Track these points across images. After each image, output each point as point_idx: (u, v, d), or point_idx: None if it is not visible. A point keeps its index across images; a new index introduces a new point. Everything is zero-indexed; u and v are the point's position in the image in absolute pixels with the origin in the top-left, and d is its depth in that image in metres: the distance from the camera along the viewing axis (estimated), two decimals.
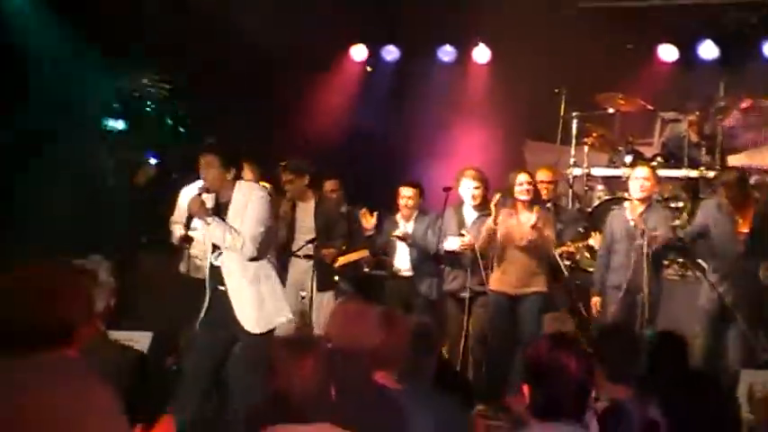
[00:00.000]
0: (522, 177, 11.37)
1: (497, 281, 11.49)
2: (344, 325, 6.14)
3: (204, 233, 9.35)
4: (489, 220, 11.46)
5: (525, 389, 4.79)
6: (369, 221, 12.65)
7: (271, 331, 9.10)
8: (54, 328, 4.43)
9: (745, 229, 10.86)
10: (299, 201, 11.73)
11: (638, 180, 11.20)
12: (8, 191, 13.31)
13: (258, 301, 9.12)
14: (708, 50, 15.06)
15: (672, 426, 5.88)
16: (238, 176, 9.25)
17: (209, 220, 9.03)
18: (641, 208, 11.07)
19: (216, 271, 9.19)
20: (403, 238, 12.22)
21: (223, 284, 9.19)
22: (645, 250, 10.84)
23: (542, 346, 5.03)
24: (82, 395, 4.37)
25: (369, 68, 17.09)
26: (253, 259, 9.20)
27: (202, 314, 9.26)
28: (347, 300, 10.11)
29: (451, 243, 11.60)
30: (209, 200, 9.11)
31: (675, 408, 5.98)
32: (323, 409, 4.97)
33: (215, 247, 9.21)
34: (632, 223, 11.08)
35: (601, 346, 6.91)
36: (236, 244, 9.06)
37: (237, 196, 9.16)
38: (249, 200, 9.21)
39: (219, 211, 9.07)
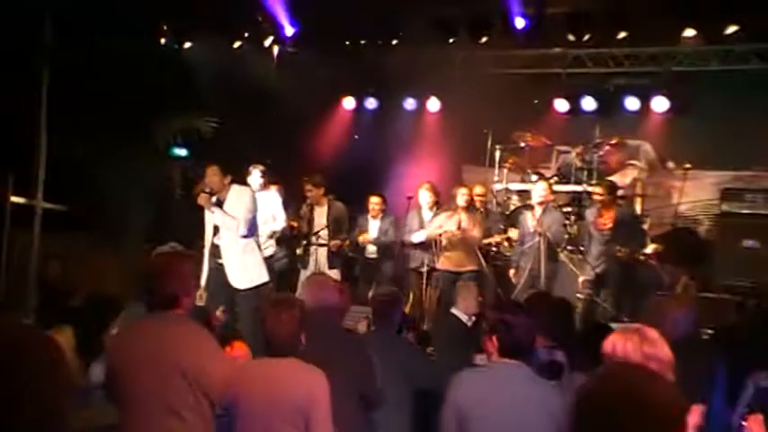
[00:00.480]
0: (462, 190, 12.13)
1: (444, 262, 11.97)
2: (315, 289, 6.48)
3: (209, 219, 9.79)
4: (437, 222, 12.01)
5: (493, 338, 5.00)
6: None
7: (255, 288, 9.62)
8: (168, 296, 5.18)
9: (609, 225, 11.53)
10: (315, 205, 12.32)
11: (538, 191, 11.94)
12: (101, 197, 13.36)
13: (244, 268, 9.66)
14: (589, 104, 15.53)
15: (570, 363, 6.06)
16: (233, 181, 9.86)
17: (214, 209, 9.63)
18: (540, 210, 11.71)
19: (215, 249, 9.72)
20: (370, 242, 12.67)
21: (220, 258, 9.69)
22: (540, 245, 11.46)
23: (505, 309, 5.42)
24: (188, 332, 5.19)
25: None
26: (243, 237, 9.69)
27: (203, 283, 9.36)
28: (315, 274, 10.62)
29: (419, 236, 12.25)
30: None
31: (570, 352, 6.16)
32: (294, 349, 5.15)
33: (215, 230, 9.73)
34: (534, 227, 11.59)
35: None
36: (232, 225, 9.60)
37: (231, 194, 9.78)
38: (239, 196, 9.82)
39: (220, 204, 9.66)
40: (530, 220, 11.81)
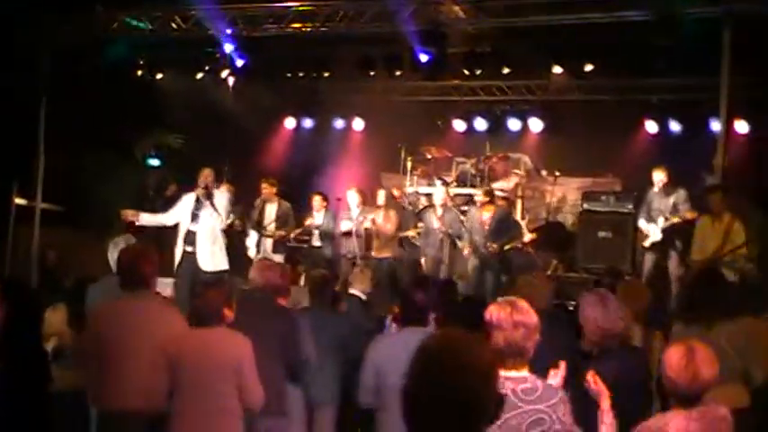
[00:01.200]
0: (382, 192, 12.27)
1: (374, 250, 12.00)
2: (260, 271, 6.43)
3: (187, 209, 9.54)
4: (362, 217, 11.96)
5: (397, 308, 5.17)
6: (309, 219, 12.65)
7: (218, 272, 9.30)
8: (144, 278, 5.26)
9: (488, 223, 11.31)
10: (267, 202, 12.13)
11: (439, 195, 11.97)
12: (90, 199, 13.29)
13: (212, 254, 9.47)
14: (480, 124, 15.77)
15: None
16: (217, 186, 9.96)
17: (207, 202, 9.46)
18: (441, 210, 11.70)
19: (189, 236, 9.45)
20: (316, 227, 12.44)
21: (191, 246, 9.43)
22: (443, 237, 11.56)
23: (408, 286, 5.51)
24: (164, 310, 5.29)
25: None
26: (220, 229, 9.61)
27: (177, 265, 9.43)
28: (262, 258, 10.38)
29: (345, 225, 12.22)
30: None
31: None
32: (218, 321, 4.96)
33: (194, 217, 9.48)
34: (437, 222, 11.61)
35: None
36: (216, 218, 9.51)
37: (217, 194, 9.72)
38: (223, 197, 9.78)
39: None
40: (434, 217, 11.78)
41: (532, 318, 3.71)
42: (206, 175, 9.64)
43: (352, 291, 8.12)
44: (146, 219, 9.67)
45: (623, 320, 4.84)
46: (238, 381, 4.82)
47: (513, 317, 3.66)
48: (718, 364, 3.68)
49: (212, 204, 9.53)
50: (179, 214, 9.66)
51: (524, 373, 3.62)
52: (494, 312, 3.71)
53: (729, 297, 5.46)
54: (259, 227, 12.07)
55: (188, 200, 9.67)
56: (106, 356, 5.09)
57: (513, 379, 3.54)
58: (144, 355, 4.88)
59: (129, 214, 9.54)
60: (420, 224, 12.45)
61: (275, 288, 6.26)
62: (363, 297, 8.11)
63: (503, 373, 3.45)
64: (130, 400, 4.91)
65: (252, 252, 12.03)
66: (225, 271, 9.59)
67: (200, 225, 9.52)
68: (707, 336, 4.77)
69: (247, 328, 5.06)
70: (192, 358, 4.84)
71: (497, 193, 12.71)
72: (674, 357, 3.71)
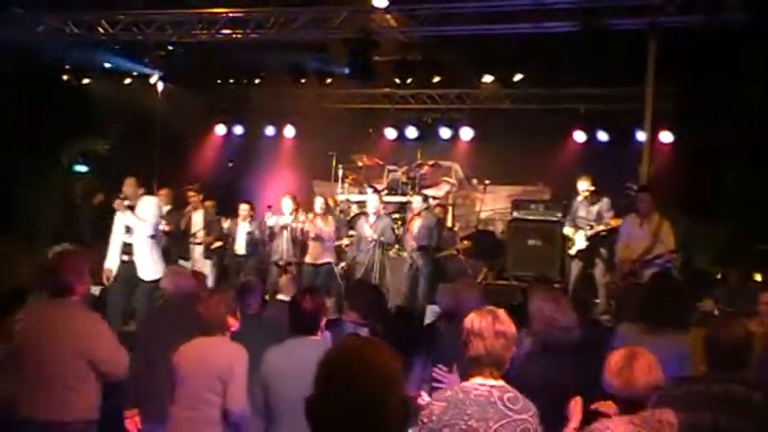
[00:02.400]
0: (319, 199, 12.02)
1: (309, 256, 11.69)
2: (171, 277, 6.40)
3: (120, 221, 9.44)
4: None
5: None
6: (225, 223, 12.62)
7: (157, 280, 8.91)
8: (65, 286, 5.11)
9: (415, 231, 11.26)
10: (194, 210, 12.14)
11: (372, 203, 11.71)
12: (15, 206, 13.04)
13: (152, 262, 9.38)
14: (411, 133, 15.93)
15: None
16: (145, 192, 9.66)
17: (127, 212, 9.33)
18: (373, 218, 11.53)
19: (127, 247, 9.39)
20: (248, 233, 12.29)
21: (130, 255, 9.38)
22: (375, 243, 11.28)
23: (295, 295, 5.33)
24: (84, 316, 5.13)
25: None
26: (150, 237, 9.48)
27: (114, 274, 9.38)
28: (172, 265, 9.76)
29: (271, 221, 11.94)
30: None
31: (374, 328, 5.99)
32: (222, 329, 5.03)
33: (127, 230, 9.40)
34: (369, 230, 11.38)
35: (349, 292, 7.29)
36: (141, 226, 9.36)
37: (141, 202, 9.53)
38: (147, 204, 9.57)
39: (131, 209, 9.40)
40: (366, 225, 11.68)
41: (512, 328, 3.71)
42: (128, 184, 9.53)
43: (279, 296, 8.01)
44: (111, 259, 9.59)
45: (571, 316, 4.88)
46: (227, 389, 4.86)
47: (494, 326, 3.66)
48: (658, 372, 3.70)
49: (134, 214, 9.43)
50: (116, 230, 9.63)
51: (502, 382, 3.62)
52: (475, 321, 3.70)
53: (684, 302, 5.50)
54: (185, 234, 12.00)
55: (119, 214, 9.63)
56: (25, 366, 5.02)
57: (498, 388, 3.56)
58: (65, 364, 4.85)
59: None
60: (351, 232, 12.38)
61: (188, 294, 6.20)
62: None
63: (487, 381, 3.57)
64: (53, 411, 4.84)
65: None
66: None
67: (134, 236, 9.47)
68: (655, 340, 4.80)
69: (166, 338, 5.10)
70: (187, 367, 4.91)
71: (430, 201, 12.68)
72: (612, 362, 3.76)
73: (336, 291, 11.43)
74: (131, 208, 9.44)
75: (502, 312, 3.76)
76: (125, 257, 9.44)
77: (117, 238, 9.55)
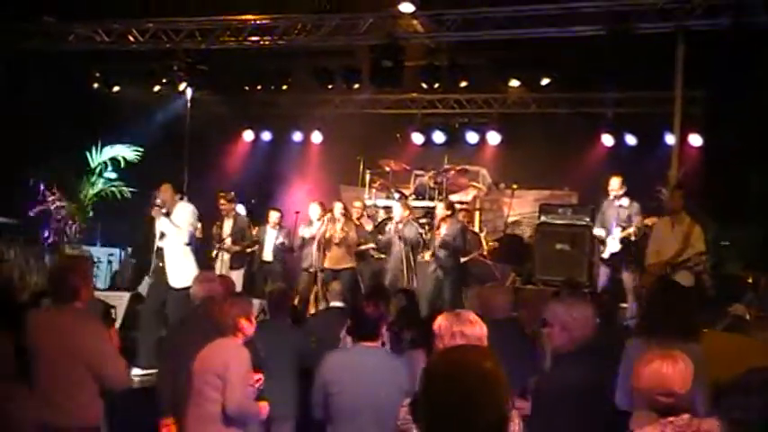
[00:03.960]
0: (338, 204, 11.79)
1: (327, 261, 11.61)
2: (200, 283, 6.41)
3: (158, 226, 9.37)
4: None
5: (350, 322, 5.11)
6: (253, 231, 12.67)
7: (187, 288, 8.94)
8: (71, 291, 5.04)
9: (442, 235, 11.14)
10: (225, 217, 12.18)
11: (398, 211, 11.70)
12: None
13: (182, 270, 9.09)
14: (439, 137, 15.86)
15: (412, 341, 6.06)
16: (181, 199, 9.65)
17: (162, 218, 9.30)
18: (401, 224, 11.49)
19: (159, 251, 9.36)
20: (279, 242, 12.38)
21: (163, 262, 9.29)
22: (402, 251, 11.31)
23: (361, 300, 5.56)
24: (85, 323, 5.04)
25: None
26: (186, 244, 9.36)
27: (149, 279, 9.56)
28: (202, 271, 9.77)
29: (308, 232, 11.91)
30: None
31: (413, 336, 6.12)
32: (235, 331, 5.12)
33: (162, 236, 9.35)
34: (396, 236, 11.36)
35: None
36: (176, 233, 9.29)
37: (178, 208, 9.47)
38: (184, 210, 9.48)
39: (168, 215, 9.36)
40: (393, 231, 11.68)
41: (475, 329, 3.78)
42: (164, 190, 9.52)
43: (333, 303, 8.14)
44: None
45: (588, 321, 4.79)
46: (223, 385, 4.93)
47: (452, 327, 3.76)
48: (690, 376, 3.65)
49: (170, 220, 9.40)
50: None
51: None
52: (438, 322, 3.84)
53: (688, 312, 5.35)
54: (218, 242, 12.05)
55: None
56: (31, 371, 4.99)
57: None
58: (64, 370, 4.83)
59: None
60: (379, 236, 12.34)
61: (219, 300, 6.10)
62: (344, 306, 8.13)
63: None
64: (53, 416, 4.74)
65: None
66: None
67: (167, 241, 9.43)
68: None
69: (196, 345, 5.10)
70: (195, 366, 5.04)
71: (456, 205, 12.55)
72: (642, 367, 3.71)
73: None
74: (167, 214, 9.41)
75: (468, 314, 3.89)
76: (159, 263, 9.44)
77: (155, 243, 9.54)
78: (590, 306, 4.86)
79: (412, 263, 11.48)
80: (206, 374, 4.99)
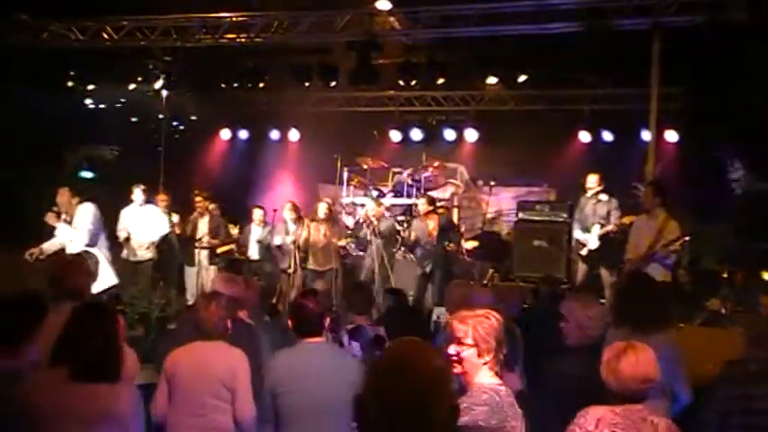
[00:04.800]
0: (322, 205, 11.75)
1: (311, 263, 11.54)
2: (222, 285, 6.08)
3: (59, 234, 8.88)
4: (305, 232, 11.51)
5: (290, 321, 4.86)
6: (234, 229, 12.97)
7: (103, 292, 8.35)
8: (75, 290, 5.03)
9: (434, 230, 11.35)
10: (200, 216, 12.10)
11: (371, 208, 11.81)
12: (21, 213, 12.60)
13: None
14: (416, 135, 15.89)
15: (389, 337, 5.91)
16: (81, 201, 8.97)
17: (60, 225, 8.85)
18: (375, 219, 11.56)
19: None
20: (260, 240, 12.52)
21: None
22: (376, 246, 11.38)
23: (297, 298, 5.31)
24: None
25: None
26: (87, 246, 8.74)
27: None
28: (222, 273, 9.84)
29: (277, 240, 12.01)
30: None
31: (393, 329, 6.00)
32: (223, 333, 4.91)
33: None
34: (372, 231, 11.39)
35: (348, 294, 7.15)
36: (76, 237, 8.74)
37: (78, 211, 8.86)
38: (84, 212, 8.88)
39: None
40: (367, 227, 11.73)
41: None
42: (60, 195, 9.09)
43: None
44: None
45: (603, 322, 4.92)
46: (231, 396, 4.75)
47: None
48: (648, 366, 3.74)
49: (69, 225, 8.97)
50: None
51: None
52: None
53: (659, 302, 5.38)
54: (192, 240, 11.99)
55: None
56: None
57: (504, 386, 3.62)
58: None
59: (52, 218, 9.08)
60: (357, 234, 12.40)
61: (238, 301, 6.00)
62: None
63: (497, 380, 3.58)
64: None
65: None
66: (114, 286, 8.97)
67: (72, 247, 8.91)
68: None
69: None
70: (186, 373, 4.78)
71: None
72: (607, 356, 3.81)
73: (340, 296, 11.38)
74: (69, 221, 8.97)
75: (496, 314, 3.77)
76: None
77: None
78: (601, 305, 4.95)
79: (385, 258, 11.47)
80: (209, 383, 4.76)
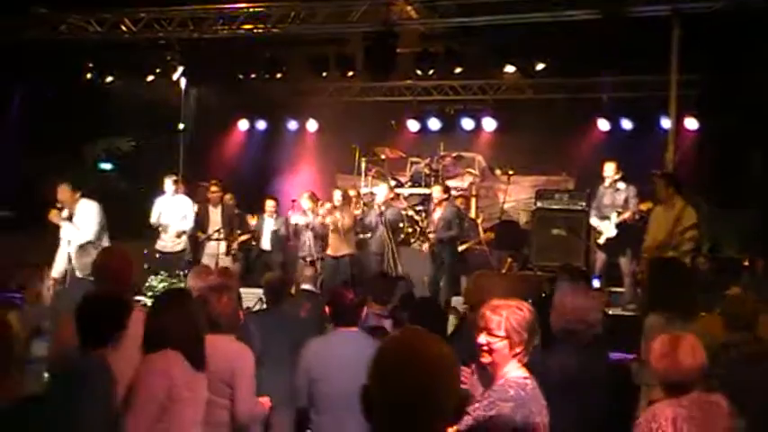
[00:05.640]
0: (338, 192, 11.95)
1: (330, 249, 11.59)
2: (197, 276, 6.36)
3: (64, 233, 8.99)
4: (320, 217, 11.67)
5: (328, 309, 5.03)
6: (252, 220, 12.96)
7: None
8: (122, 279, 5.09)
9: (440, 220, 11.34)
10: (212, 205, 12.07)
11: (382, 193, 11.99)
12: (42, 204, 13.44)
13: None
14: (434, 124, 15.91)
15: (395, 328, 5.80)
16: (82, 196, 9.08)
17: (63, 222, 8.95)
18: (384, 206, 11.71)
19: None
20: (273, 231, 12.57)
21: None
22: (385, 235, 11.59)
23: (337, 288, 5.49)
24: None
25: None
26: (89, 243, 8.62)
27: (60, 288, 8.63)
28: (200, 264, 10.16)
29: (295, 219, 12.18)
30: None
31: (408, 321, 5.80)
32: (234, 326, 4.89)
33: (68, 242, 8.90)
34: (376, 221, 11.58)
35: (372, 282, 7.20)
36: (78, 234, 8.77)
37: (79, 207, 9.03)
38: (86, 208, 9.05)
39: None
40: (376, 214, 11.84)
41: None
42: (61, 191, 9.14)
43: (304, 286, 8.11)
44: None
45: (596, 311, 4.79)
46: (231, 391, 4.66)
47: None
48: (702, 354, 3.77)
49: (71, 224, 9.05)
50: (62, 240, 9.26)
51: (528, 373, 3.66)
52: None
53: (694, 288, 5.53)
54: (203, 231, 11.97)
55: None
56: None
57: (531, 378, 3.59)
58: None
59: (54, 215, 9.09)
60: (364, 220, 12.42)
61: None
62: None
63: (523, 372, 3.56)
64: None
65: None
66: None
67: (72, 245, 8.80)
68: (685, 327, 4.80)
69: None
70: None
71: (452, 192, 12.69)
72: (656, 347, 3.83)
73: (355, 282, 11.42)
74: (70, 217, 9.01)
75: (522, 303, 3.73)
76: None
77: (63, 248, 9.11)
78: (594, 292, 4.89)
79: (393, 246, 11.62)
80: (210, 380, 4.57)
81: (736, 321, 4.86)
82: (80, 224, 8.90)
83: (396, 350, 2.47)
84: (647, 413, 3.73)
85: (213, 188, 12.19)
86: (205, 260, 11.49)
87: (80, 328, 4.23)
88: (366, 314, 5.93)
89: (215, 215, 12.16)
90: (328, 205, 11.86)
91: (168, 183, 11.35)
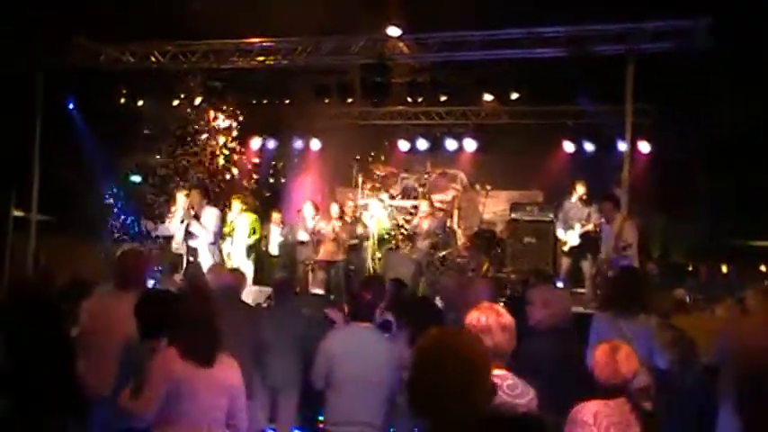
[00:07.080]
0: (335, 206, 12.18)
1: (322, 254, 11.86)
2: (215, 276, 6.70)
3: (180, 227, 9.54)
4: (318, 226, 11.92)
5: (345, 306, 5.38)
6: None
7: None
8: (134, 279, 5.20)
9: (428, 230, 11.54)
10: (238, 216, 12.12)
11: (375, 206, 12.41)
12: (80, 210, 13.09)
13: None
14: (422, 144, 15.90)
15: (396, 322, 5.99)
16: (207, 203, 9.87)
17: (193, 222, 9.47)
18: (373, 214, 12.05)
19: (193, 251, 9.54)
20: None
21: (195, 257, 9.50)
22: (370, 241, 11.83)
23: (358, 286, 5.62)
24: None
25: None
26: (211, 243, 9.55)
27: (179, 276, 9.26)
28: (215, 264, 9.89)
29: (303, 236, 12.30)
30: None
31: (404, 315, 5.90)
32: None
33: (190, 234, 9.45)
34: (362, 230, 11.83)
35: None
36: (204, 234, 9.39)
37: (205, 212, 9.59)
38: (210, 214, 9.65)
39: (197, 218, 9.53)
40: (361, 226, 12.06)
41: (512, 322, 3.65)
42: (194, 195, 9.71)
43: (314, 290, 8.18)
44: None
45: (568, 307, 5.00)
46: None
47: (499, 321, 3.56)
48: (635, 359, 3.85)
49: (200, 223, 9.50)
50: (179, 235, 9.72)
51: (503, 371, 3.57)
52: (481, 317, 3.58)
53: (640, 290, 5.57)
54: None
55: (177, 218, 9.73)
56: (91, 347, 5.08)
57: (499, 376, 3.46)
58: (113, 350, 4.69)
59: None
60: (358, 230, 12.61)
61: (230, 288, 6.36)
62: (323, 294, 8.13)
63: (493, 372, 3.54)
64: (103, 389, 4.76)
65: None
66: None
67: (198, 242, 9.56)
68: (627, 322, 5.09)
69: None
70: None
71: (437, 204, 12.97)
72: (597, 356, 3.87)
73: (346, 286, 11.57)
74: (197, 217, 9.51)
75: (501, 308, 3.73)
76: (190, 259, 9.52)
77: (178, 242, 9.61)
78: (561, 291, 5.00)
79: (377, 253, 11.84)
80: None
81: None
82: (206, 226, 9.46)
83: (436, 346, 2.48)
84: (577, 406, 3.72)
85: (235, 201, 12.40)
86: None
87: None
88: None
89: (241, 224, 12.22)
90: (327, 213, 11.96)
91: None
